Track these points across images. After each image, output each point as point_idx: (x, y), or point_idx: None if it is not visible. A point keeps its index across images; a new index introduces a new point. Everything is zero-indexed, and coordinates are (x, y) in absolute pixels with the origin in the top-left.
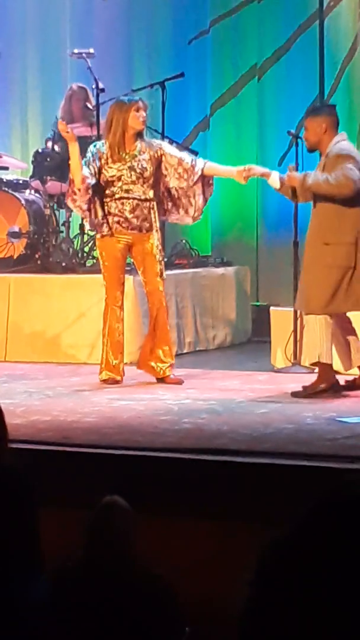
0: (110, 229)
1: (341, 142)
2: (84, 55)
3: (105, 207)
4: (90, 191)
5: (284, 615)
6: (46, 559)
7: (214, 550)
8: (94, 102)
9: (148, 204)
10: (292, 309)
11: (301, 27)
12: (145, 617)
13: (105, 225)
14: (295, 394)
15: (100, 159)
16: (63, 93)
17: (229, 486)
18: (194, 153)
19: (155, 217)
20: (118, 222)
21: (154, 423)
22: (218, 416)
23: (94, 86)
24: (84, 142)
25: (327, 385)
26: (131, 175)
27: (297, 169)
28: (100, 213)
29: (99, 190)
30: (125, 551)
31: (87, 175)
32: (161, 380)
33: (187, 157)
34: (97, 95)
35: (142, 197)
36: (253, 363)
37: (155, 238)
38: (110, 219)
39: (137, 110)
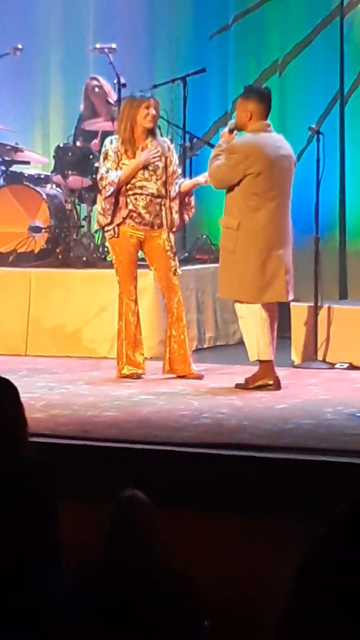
0: (114, 232)
1: (247, 136)
2: (106, 50)
3: (120, 203)
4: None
5: (328, 611)
6: (66, 553)
7: (234, 544)
8: (115, 96)
9: (160, 200)
10: (313, 304)
11: (322, 23)
12: (165, 610)
13: (114, 229)
14: (236, 384)
15: (119, 156)
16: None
17: (248, 481)
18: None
19: (166, 214)
20: (131, 217)
21: (174, 418)
22: (238, 411)
23: (115, 81)
24: (105, 137)
25: (273, 381)
26: (144, 171)
27: (317, 164)
28: (111, 215)
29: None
30: (145, 545)
31: (115, 181)
32: (182, 375)
33: (179, 172)
34: (119, 91)
35: (156, 194)
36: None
37: (165, 234)
38: (123, 213)
39: (147, 107)
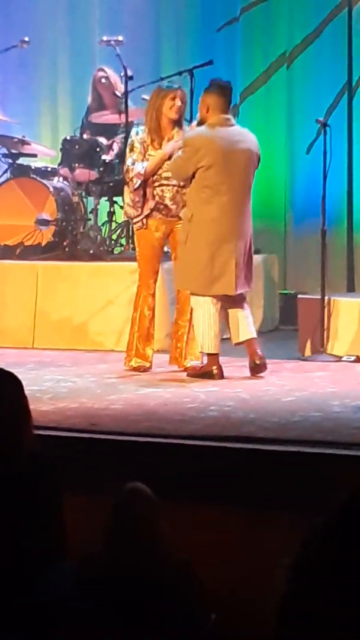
0: (143, 224)
1: (200, 129)
2: (112, 42)
3: (147, 194)
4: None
5: (326, 599)
6: (70, 545)
7: (239, 537)
8: (122, 89)
9: (185, 191)
10: (320, 297)
11: (330, 15)
12: (171, 603)
13: (141, 220)
14: (187, 372)
15: (146, 147)
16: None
17: (255, 474)
18: None
19: None
20: (157, 209)
21: (181, 410)
22: (244, 404)
23: (122, 74)
24: (112, 130)
25: (215, 370)
26: (170, 162)
27: (324, 156)
28: (141, 207)
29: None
30: (149, 538)
31: (142, 172)
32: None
33: None
34: (126, 83)
35: (181, 184)
36: (280, 351)
37: None
38: (150, 205)
39: (173, 98)
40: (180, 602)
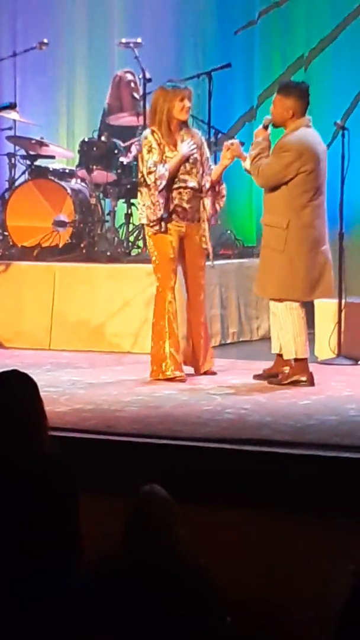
0: (162, 227)
1: (296, 133)
2: (131, 44)
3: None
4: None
5: None
6: (86, 547)
7: (255, 540)
8: (140, 91)
9: (200, 194)
10: (337, 301)
11: (348, 18)
12: (186, 606)
13: (160, 223)
14: (268, 381)
15: (162, 148)
16: (110, 82)
17: (271, 477)
18: (241, 144)
19: (203, 208)
20: (176, 213)
21: (197, 413)
22: (261, 407)
23: (140, 76)
24: (130, 132)
25: (305, 378)
26: (185, 165)
27: (342, 159)
28: (162, 210)
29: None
30: (165, 540)
31: (165, 175)
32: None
33: (211, 164)
34: (144, 85)
35: (197, 187)
36: None
37: (201, 230)
38: (169, 208)
39: (182, 99)
40: (195, 605)
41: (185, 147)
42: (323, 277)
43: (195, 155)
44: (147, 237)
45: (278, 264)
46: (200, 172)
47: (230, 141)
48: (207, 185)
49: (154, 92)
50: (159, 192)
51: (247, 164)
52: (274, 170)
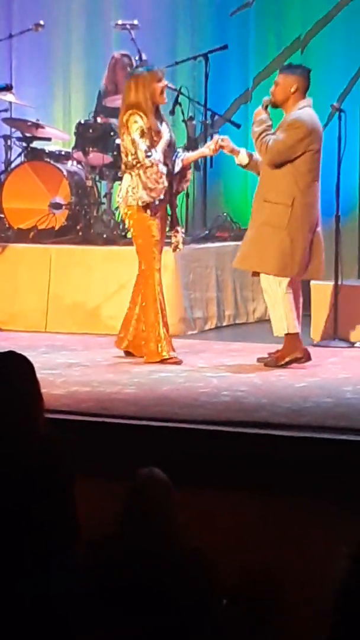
0: (153, 209)
1: (304, 109)
2: (127, 26)
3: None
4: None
5: None
6: (83, 531)
7: (252, 523)
8: None
9: (169, 177)
10: (333, 283)
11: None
12: (183, 589)
13: (155, 207)
14: (265, 363)
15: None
16: (106, 64)
17: (268, 459)
18: (237, 126)
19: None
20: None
21: (193, 395)
22: (257, 389)
23: (137, 58)
24: None
25: (300, 354)
26: (169, 149)
27: (339, 142)
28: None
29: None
30: (162, 523)
31: (161, 160)
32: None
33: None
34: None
35: (170, 170)
36: None
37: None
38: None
39: (159, 81)
40: (192, 587)
41: (167, 131)
42: (314, 258)
43: (174, 137)
44: (128, 220)
45: (278, 241)
46: (173, 156)
47: (220, 137)
48: (177, 168)
49: (128, 82)
50: (162, 175)
51: (241, 159)
52: (285, 145)
